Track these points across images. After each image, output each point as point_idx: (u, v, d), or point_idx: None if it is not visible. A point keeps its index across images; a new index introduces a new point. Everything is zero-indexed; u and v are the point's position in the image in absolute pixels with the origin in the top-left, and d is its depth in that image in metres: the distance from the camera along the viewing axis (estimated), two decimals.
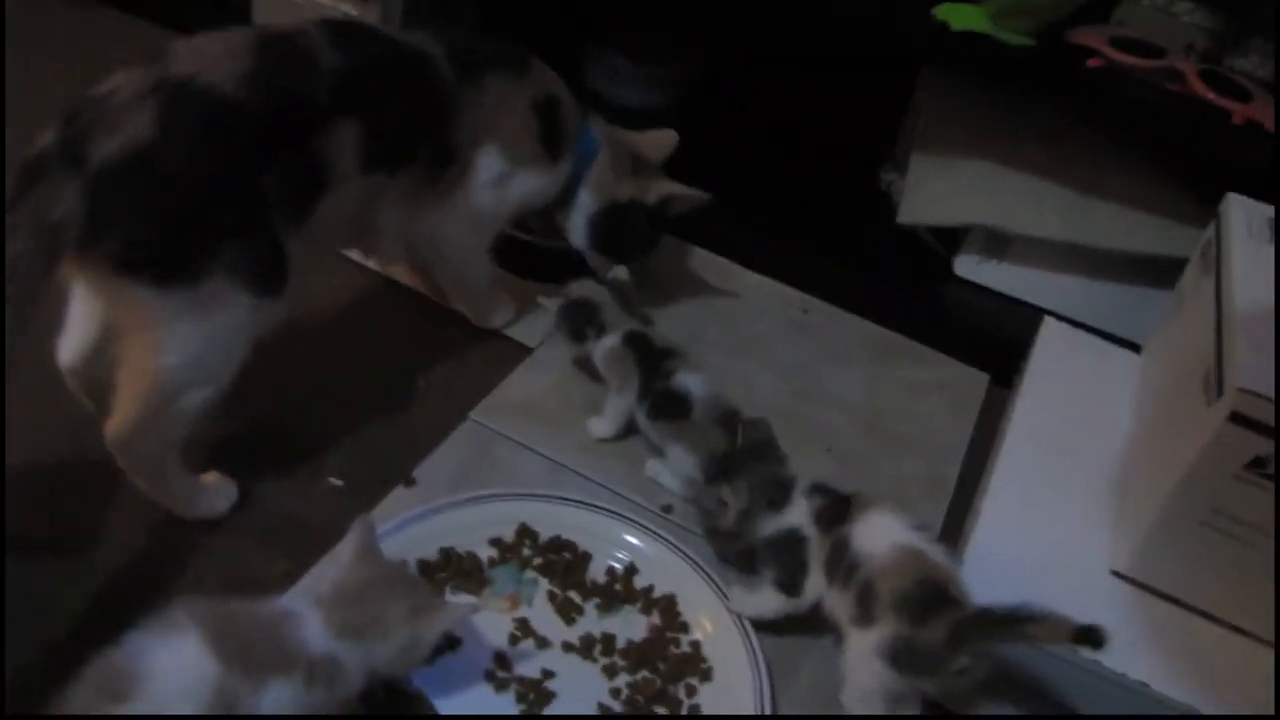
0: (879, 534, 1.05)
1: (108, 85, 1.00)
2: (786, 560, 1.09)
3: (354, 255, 1.47)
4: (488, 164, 1.30)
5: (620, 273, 1.40)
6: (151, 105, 0.98)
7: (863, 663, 1.02)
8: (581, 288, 1.36)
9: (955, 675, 0.99)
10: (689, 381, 1.26)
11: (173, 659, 0.83)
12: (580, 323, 1.33)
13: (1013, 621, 0.97)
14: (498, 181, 1.32)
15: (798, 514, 1.11)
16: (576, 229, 1.45)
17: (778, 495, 1.11)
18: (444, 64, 1.23)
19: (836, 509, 1.09)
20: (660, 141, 1.49)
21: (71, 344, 1.13)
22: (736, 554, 1.18)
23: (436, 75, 1.22)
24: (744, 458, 1.15)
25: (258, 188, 1.04)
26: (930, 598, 0.99)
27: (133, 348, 1.03)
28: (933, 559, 1.03)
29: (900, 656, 0.99)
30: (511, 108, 1.31)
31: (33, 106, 0.98)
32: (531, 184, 1.36)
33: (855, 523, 1.06)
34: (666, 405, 1.26)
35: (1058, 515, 1.24)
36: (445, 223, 1.31)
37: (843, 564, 1.04)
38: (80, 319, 1.12)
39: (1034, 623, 0.95)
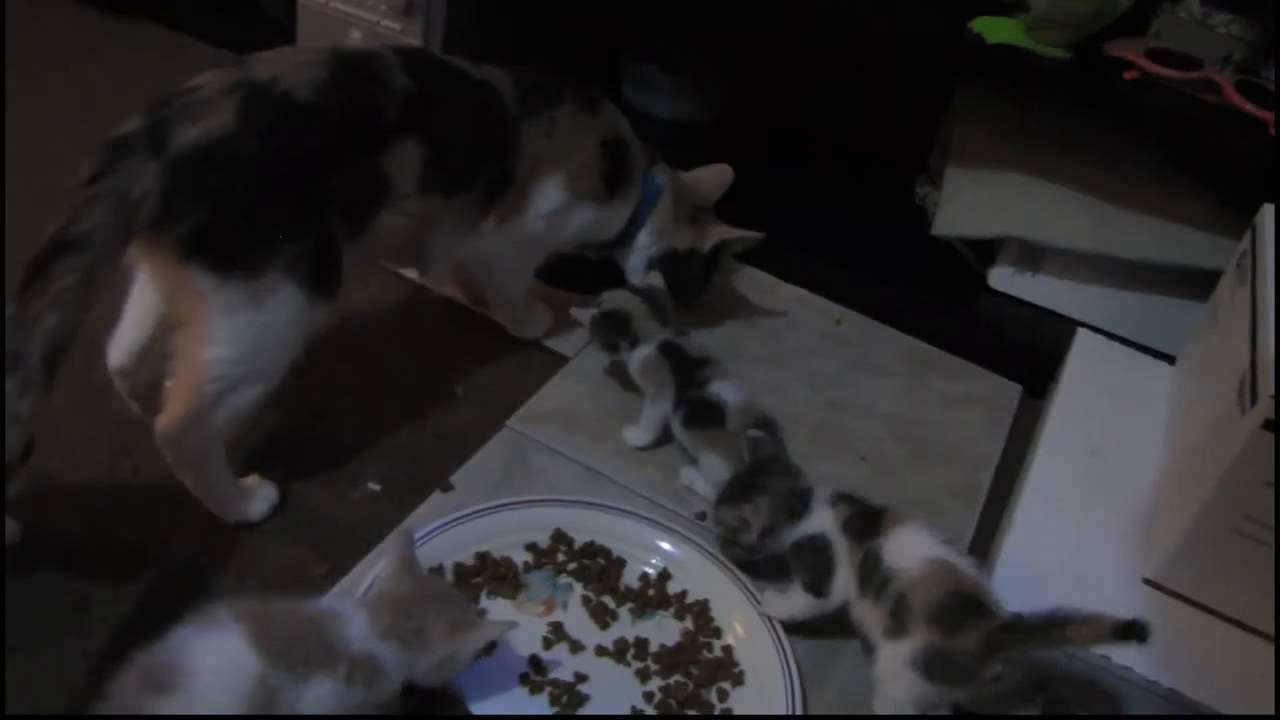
0: (911, 549, 1.06)
1: (194, 82, 1.06)
2: (813, 564, 1.10)
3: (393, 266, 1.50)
4: (549, 195, 1.35)
5: (655, 279, 1.41)
6: (233, 101, 1.04)
7: (895, 673, 1.02)
8: (614, 298, 1.37)
9: (989, 683, 1.00)
10: (723, 390, 1.28)
11: (217, 654, 0.85)
12: (613, 334, 1.35)
13: (1048, 626, 0.97)
14: (556, 213, 1.36)
15: (820, 520, 1.12)
16: (634, 269, 1.50)
17: (798, 506, 1.13)
18: (510, 96, 1.29)
19: (865, 519, 1.10)
20: (716, 180, 1.53)
21: (122, 345, 1.17)
22: (758, 562, 1.19)
23: (501, 107, 1.28)
24: (759, 475, 1.16)
25: (322, 192, 1.09)
26: (962, 608, 1.00)
27: (189, 339, 1.06)
28: (963, 571, 1.04)
29: (933, 666, 1.00)
30: (579, 144, 1.36)
31: (87, 118, 1.01)
32: (589, 219, 1.41)
33: (887, 537, 1.07)
34: (701, 414, 1.27)
35: (1090, 524, 1.24)
36: (498, 246, 1.35)
37: (875, 578, 1.05)
38: (133, 319, 1.16)
39: (1070, 625, 0.96)
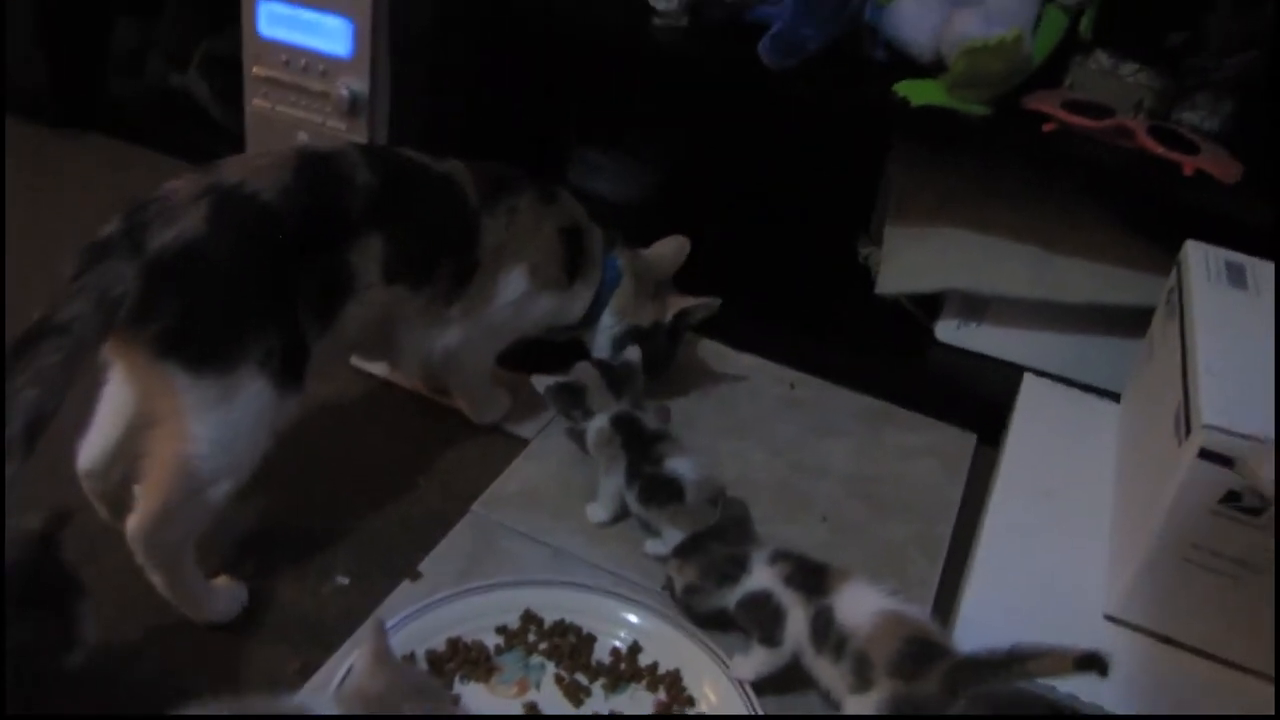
0: (860, 604, 1.09)
1: (167, 187, 1.11)
2: (759, 616, 1.14)
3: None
4: (512, 284, 1.39)
5: (632, 354, 1.46)
6: (203, 205, 1.08)
7: None
8: (576, 370, 1.41)
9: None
10: (679, 465, 1.30)
11: None
12: (566, 404, 1.39)
13: (1007, 662, 1.00)
14: (520, 301, 1.41)
15: (760, 578, 1.16)
16: (599, 348, 1.54)
17: (731, 570, 1.17)
18: (470, 189, 1.34)
19: (807, 575, 1.14)
20: (673, 252, 1.59)
21: (93, 448, 1.19)
22: (701, 616, 1.22)
23: (462, 199, 1.33)
24: (704, 538, 1.22)
25: (291, 289, 1.14)
26: (919, 653, 1.03)
27: (161, 437, 1.09)
28: (913, 618, 1.08)
29: (902, 712, 1.02)
30: (539, 233, 1.40)
31: (42, 228, 1.05)
32: (552, 305, 1.45)
33: (836, 595, 1.11)
34: (658, 490, 1.29)
35: (1050, 565, 1.27)
36: (463, 336, 1.38)
37: (830, 637, 1.08)
38: (104, 421, 1.18)
39: (1030, 660, 0.98)
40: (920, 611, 1.10)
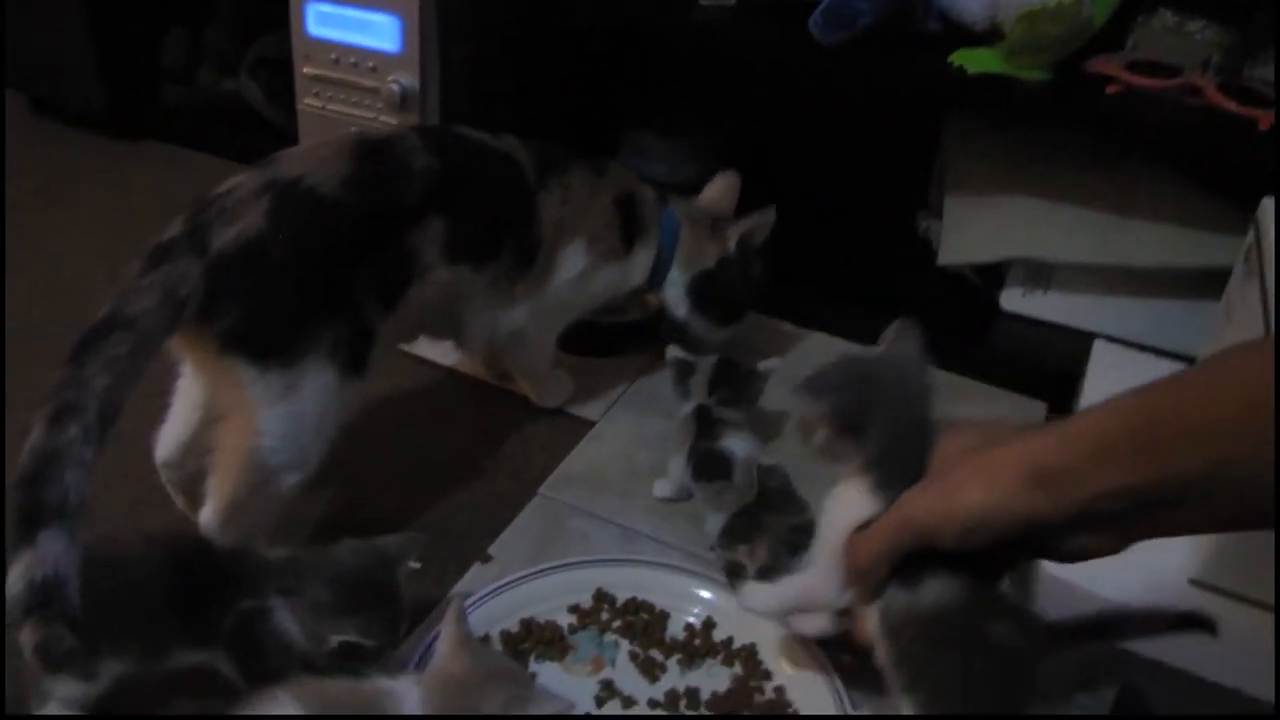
0: None
1: (227, 184, 1.12)
2: None
3: (406, 347, 1.54)
4: (573, 259, 1.38)
5: (765, 367, 1.42)
6: (263, 202, 1.09)
7: None
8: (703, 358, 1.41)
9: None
10: (733, 443, 1.29)
11: None
12: (675, 377, 1.40)
13: (1098, 625, 0.96)
14: (581, 276, 1.40)
15: None
16: (676, 303, 1.52)
17: (799, 539, 1.12)
18: (528, 166, 1.33)
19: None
20: (724, 191, 1.59)
21: (170, 439, 1.21)
22: None
23: (520, 176, 1.32)
24: (762, 512, 1.17)
25: (353, 277, 1.14)
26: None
27: (229, 431, 1.11)
28: None
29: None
30: (595, 205, 1.39)
31: (106, 235, 1.06)
32: (613, 277, 1.44)
33: None
34: (708, 466, 1.28)
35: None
36: (528, 314, 1.38)
37: None
38: (179, 413, 1.20)
39: (1121, 623, 0.96)
40: None
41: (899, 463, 0.95)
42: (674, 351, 1.42)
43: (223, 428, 1.12)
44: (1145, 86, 1.45)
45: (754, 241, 1.54)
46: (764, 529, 1.16)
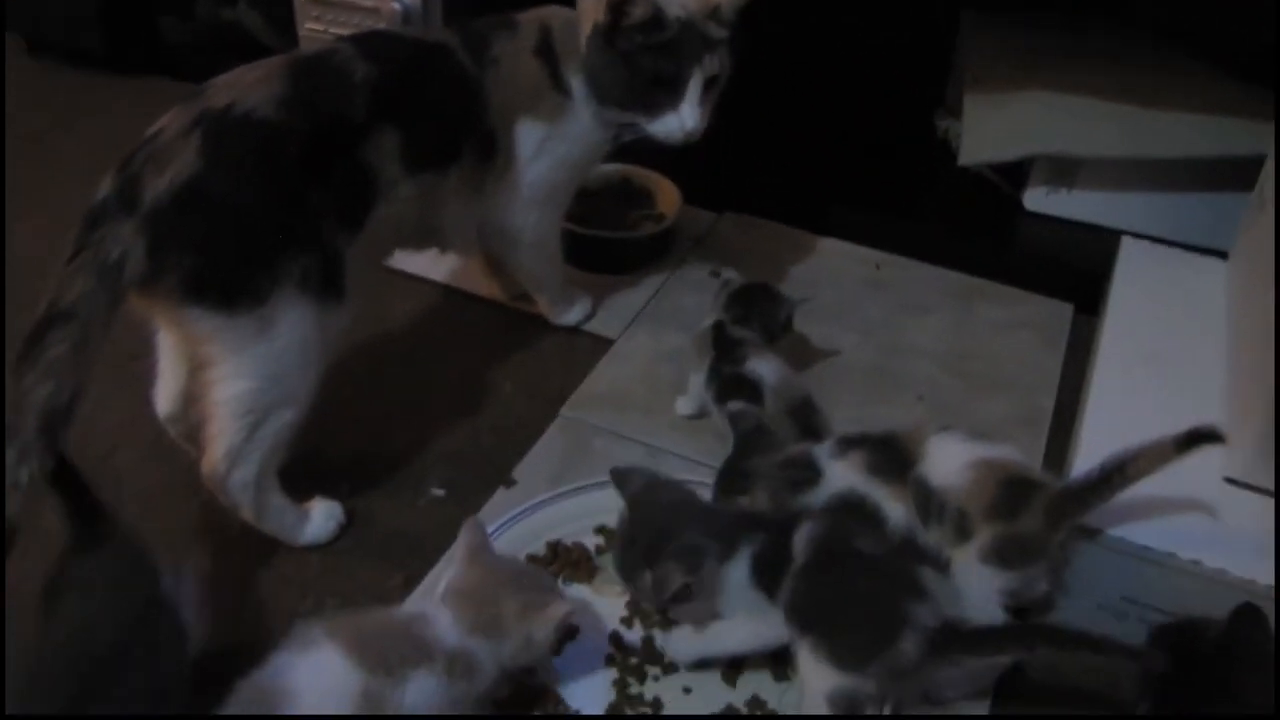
0: (950, 460, 1.04)
1: (155, 127, 1.05)
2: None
3: (422, 272, 1.52)
4: (526, 136, 1.29)
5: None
6: (194, 138, 1.02)
7: (974, 573, 1.01)
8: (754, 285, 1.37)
9: (1060, 550, 1.01)
10: (760, 366, 1.24)
11: (317, 672, 0.86)
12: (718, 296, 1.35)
13: (1106, 475, 0.98)
14: (541, 149, 1.30)
15: (842, 475, 1.08)
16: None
17: (800, 475, 1.09)
18: (463, 53, 1.24)
19: (888, 452, 1.07)
20: None
21: (166, 392, 1.18)
22: None
23: (459, 66, 1.24)
24: (745, 458, 1.12)
25: (308, 202, 1.08)
26: (1017, 493, 1.00)
27: (211, 380, 1.06)
28: (1005, 459, 1.03)
29: (1005, 553, 0.99)
30: (521, 69, 1.28)
31: (99, 178, 1.04)
32: (574, 130, 1.31)
33: (923, 459, 1.05)
34: (734, 390, 1.23)
35: (1161, 430, 1.20)
36: (510, 209, 1.32)
37: (931, 505, 1.03)
38: (168, 367, 1.17)
39: (1128, 464, 0.97)
40: (1010, 451, 1.05)
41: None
42: (728, 272, 1.35)
43: (206, 376, 1.07)
44: None
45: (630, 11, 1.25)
46: (755, 476, 1.11)
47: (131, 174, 1.01)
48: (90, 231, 0.98)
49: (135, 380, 1.21)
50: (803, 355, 1.40)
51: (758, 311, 1.33)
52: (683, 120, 1.27)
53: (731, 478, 1.13)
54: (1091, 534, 1.12)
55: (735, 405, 1.16)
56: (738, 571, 0.98)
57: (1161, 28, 1.56)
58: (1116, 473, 0.98)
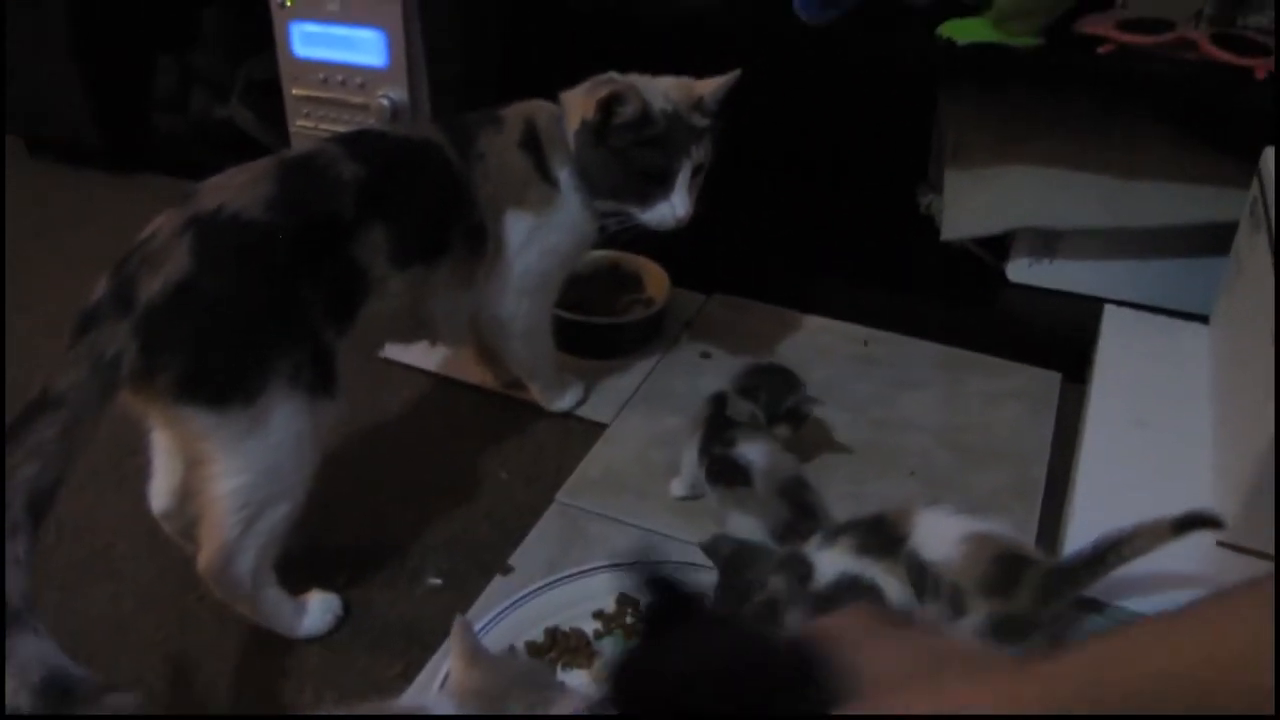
0: (940, 537, 1.03)
1: (148, 230, 1.07)
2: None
3: (415, 362, 1.54)
4: (514, 227, 1.32)
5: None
6: (186, 240, 1.04)
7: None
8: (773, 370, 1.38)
9: (1052, 625, 1.00)
10: (750, 450, 1.25)
11: None
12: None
13: (1101, 554, 0.98)
14: (530, 239, 1.33)
15: (838, 561, 1.06)
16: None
17: (800, 570, 1.07)
18: (450, 149, 1.28)
19: (881, 534, 1.06)
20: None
21: (160, 489, 1.20)
22: None
23: (446, 162, 1.27)
24: (735, 578, 1.10)
25: (298, 300, 1.09)
26: (1009, 570, 0.99)
27: (205, 477, 1.07)
28: (996, 534, 1.03)
29: (1000, 630, 0.98)
30: (507, 162, 1.31)
31: (97, 274, 1.06)
32: (563, 219, 1.34)
33: (913, 536, 1.04)
34: (725, 472, 1.25)
35: (1153, 496, 1.20)
36: (501, 299, 1.35)
37: (926, 582, 1.03)
38: (162, 463, 1.18)
39: (1124, 543, 0.97)
40: (1000, 526, 1.05)
41: None
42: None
43: (201, 473, 1.08)
44: (1138, 44, 1.44)
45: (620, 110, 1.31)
46: (747, 589, 1.08)
47: (126, 275, 1.03)
48: (85, 331, 1.00)
49: (131, 476, 1.23)
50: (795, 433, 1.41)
51: (766, 389, 1.34)
52: (674, 208, 1.32)
53: (729, 597, 1.10)
54: (1091, 605, 1.12)
55: (704, 541, 1.14)
56: None
57: (1132, 101, 1.59)
58: (1111, 551, 0.98)
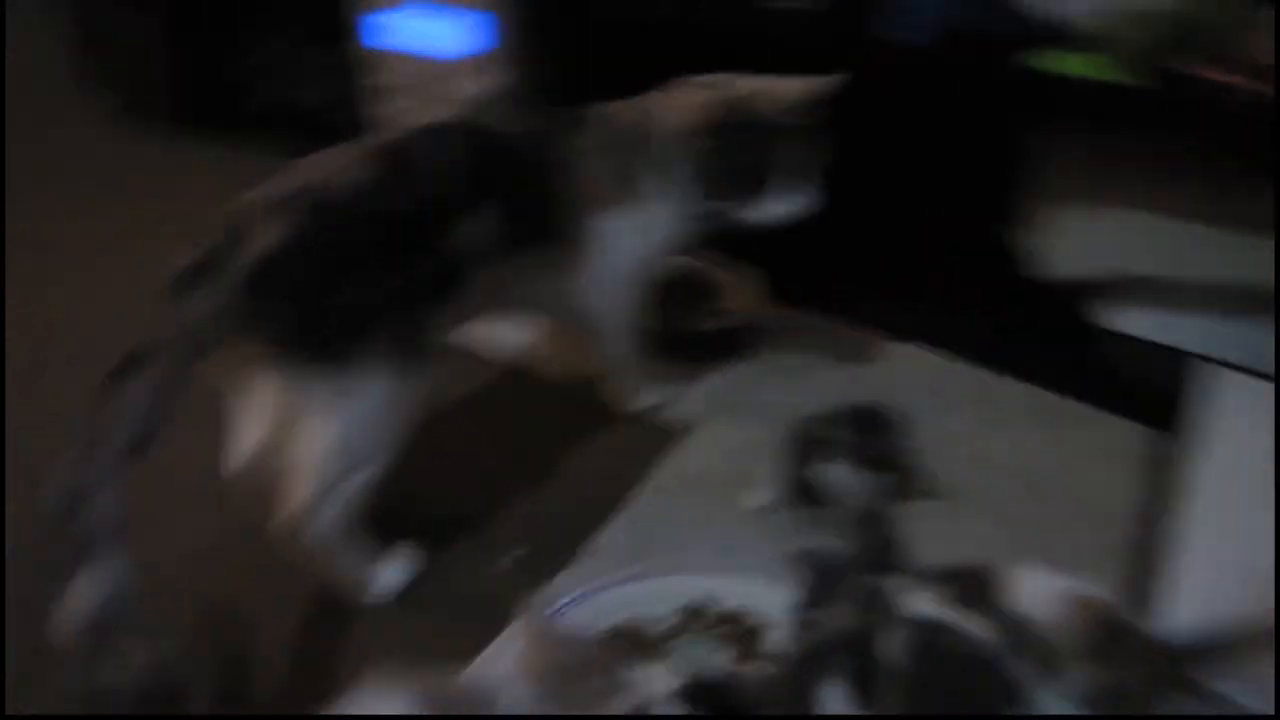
0: (1036, 593, 0.97)
1: (246, 199, 1.09)
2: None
3: (500, 353, 1.56)
4: (608, 225, 1.33)
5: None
6: (290, 212, 1.07)
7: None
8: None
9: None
10: (831, 473, 1.26)
11: None
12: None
13: (1226, 645, 0.92)
14: (622, 237, 1.34)
15: (923, 605, 0.98)
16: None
17: (884, 607, 0.99)
18: (551, 142, 1.29)
19: (974, 585, 0.99)
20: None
21: (237, 450, 1.19)
22: None
23: (546, 155, 1.28)
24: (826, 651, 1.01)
25: (396, 276, 1.11)
26: (1112, 638, 0.94)
27: (292, 438, 1.09)
28: (1094, 596, 0.97)
29: (1099, 701, 0.92)
30: (606, 159, 1.32)
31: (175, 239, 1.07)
32: (653, 223, 1.37)
33: (1010, 592, 0.97)
34: (805, 492, 1.26)
35: (1257, 555, 1.16)
36: (590, 294, 1.36)
37: (1017, 636, 0.96)
38: (243, 425, 1.18)
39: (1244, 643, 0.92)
40: (1098, 588, 0.98)
41: None
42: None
43: (285, 435, 1.10)
44: (1257, 90, 1.40)
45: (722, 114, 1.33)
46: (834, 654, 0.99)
47: (226, 240, 1.05)
48: (181, 292, 1.03)
49: (197, 444, 1.22)
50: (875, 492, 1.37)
51: (860, 433, 1.32)
52: (774, 207, 1.36)
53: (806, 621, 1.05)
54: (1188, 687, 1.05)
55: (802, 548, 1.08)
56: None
57: (1247, 148, 1.55)
58: (1240, 644, 0.92)
